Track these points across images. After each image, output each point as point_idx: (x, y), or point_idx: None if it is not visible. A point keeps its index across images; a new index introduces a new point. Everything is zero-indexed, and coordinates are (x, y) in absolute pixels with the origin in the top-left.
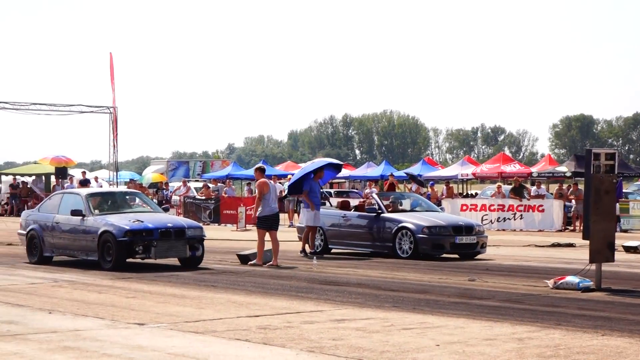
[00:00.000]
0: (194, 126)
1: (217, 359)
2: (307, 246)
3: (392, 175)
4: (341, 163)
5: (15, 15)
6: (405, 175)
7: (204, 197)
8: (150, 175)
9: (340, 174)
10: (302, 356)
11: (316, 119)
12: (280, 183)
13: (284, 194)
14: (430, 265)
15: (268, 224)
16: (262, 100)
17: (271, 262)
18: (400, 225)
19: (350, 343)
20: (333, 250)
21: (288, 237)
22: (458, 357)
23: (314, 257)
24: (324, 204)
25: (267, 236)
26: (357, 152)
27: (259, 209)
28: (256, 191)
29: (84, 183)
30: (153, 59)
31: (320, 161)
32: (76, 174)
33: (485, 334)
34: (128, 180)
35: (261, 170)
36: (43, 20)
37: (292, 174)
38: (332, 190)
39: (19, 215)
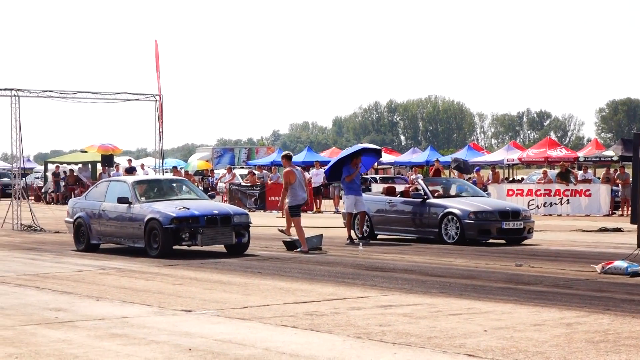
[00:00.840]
0: (239, 113)
1: (264, 346)
2: (352, 232)
3: (437, 160)
4: (379, 148)
5: (61, 4)
6: (449, 161)
7: (249, 184)
8: (195, 162)
9: (386, 160)
10: (350, 342)
11: (361, 105)
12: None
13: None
14: (476, 251)
15: (299, 211)
16: (307, 87)
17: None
18: (446, 210)
19: (398, 329)
20: (379, 236)
21: (334, 223)
22: (506, 343)
23: (360, 243)
24: (365, 190)
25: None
26: (402, 137)
27: (288, 199)
28: (282, 180)
29: (130, 171)
30: (198, 46)
31: (356, 146)
32: (122, 161)
33: (533, 319)
34: (171, 168)
35: (288, 158)
36: (89, 8)
37: None
38: (377, 176)
39: (65, 203)
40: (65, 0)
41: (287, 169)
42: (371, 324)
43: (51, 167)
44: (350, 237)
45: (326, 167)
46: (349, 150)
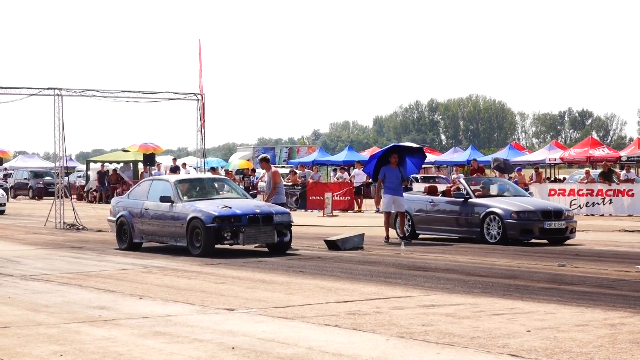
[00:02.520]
0: (280, 112)
1: (307, 345)
2: (391, 232)
3: (475, 160)
4: (416, 146)
5: (104, 3)
6: (489, 160)
7: (290, 183)
8: (236, 161)
9: (426, 159)
10: (392, 342)
11: (401, 104)
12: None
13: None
14: (519, 251)
15: None
16: (348, 86)
17: None
18: (488, 210)
19: (440, 329)
20: (420, 236)
21: (375, 222)
22: (549, 343)
23: (402, 243)
24: (406, 189)
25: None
26: (443, 137)
27: (273, 197)
28: (270, 180)
29: (174, 170)
30: (239, 46)
31: (389, 146)
32: (163, 160)
33: (576, 319)
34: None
35: (267, 160)
36: (132, 7)
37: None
38: (418, 176)
39: (108, 202)
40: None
41: (274, 169)
42: (414, 323)
43: (94, 166)
44: (386, 237)
45: (365, 166)
46: (384, 149)
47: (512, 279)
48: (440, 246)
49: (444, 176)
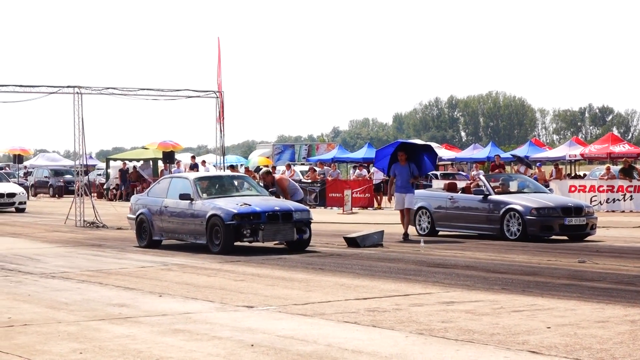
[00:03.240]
0: (299, 110)
1: (327, 342)
2: (411, 229)
3: (498, 156)
4: (422, 143)
5: (124, 1)
6: (511, 156)
7: (310, 180)
8: (256, 159)
9: (446, 156)
10: (412, 338)
11: (421, 101)
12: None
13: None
14: (539, 247)
15: None
16: (367, 83)
17: None
18: (508, 207)
19: (460, 325)
20: (440, 233)
21: (394, 219)
22: (570, 340)
23: (422, 240)
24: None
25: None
26: (463, 134)
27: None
28: (278, 188)
29: (194, 167)
30: (258, 44)
31: (396, 142)
32: (183, 158)
33: (596, 316)
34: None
35: (268, 173)
36: (151, 5)
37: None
38: (438, 173)
39: (127, 200)
40: None
41: (277, 176)
42: (433, 320)
43: (114, 164)
44: (405, 234)
45: (376, 162)
46: (390, 145)
47: (532, 276)
48: (460, 243)
49: (463, 173)
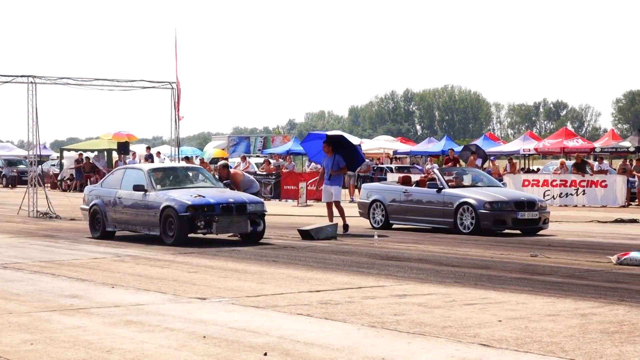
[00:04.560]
0: (255, 102)
1: (279, 334)
2: (364, 221)
3: (452, 150)
4: (335, 134)
5: None
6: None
7: (264, 173)
8: (211, 150)
9: (401, 149)
10: (364, 331)
11: (377, 94)
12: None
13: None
14: (492, 241)
15: None
16: (323, 76)
17: None
18: (461, 200)
19: (412, 318)
20: (394, 226)
21: (349, 212)
22: (520, 333)
23: (375, 233)
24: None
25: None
26: (418, 127)
27: None
28: (232, 183)
29: (148, 158)
30: (214, 35)
31: (327, 133)
32: (137, 149)
33: (547, 309)
34: (183, 157)
35: (225, 167)
36: None
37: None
38: (393, 166)
39: (81, 191)
40: None
41: (232, 171)
42: (385, 313)
43: (67, 154)
44: (344, 225)
45: (311, 157)
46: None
47: (484, 269)
48: (414, 236)
49: (418, 166)
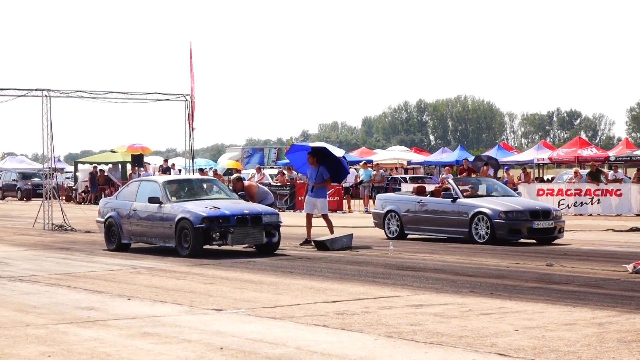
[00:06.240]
0: (268, 113)
1: (296, 345)
2: (379, 231)
3: (466, 160)
4: (319, 145)
5: (93, 4)
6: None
7: (279, 184)
8: (225, 162)
9: (415, 160)
10: (381, 341)
11: (390, 105)
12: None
13: (359, 179)
14: (507, 251)
15: None
16: (336, 87)
17: None
18: (476, 210)
19: (429, 328)
20: (409, 236)
21: (364, 222)
22: (537, 342)
23: (390, 243)
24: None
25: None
26: (432, 137)
27: None
28: (247, 195)
29: (166, 170)
30: (228, 47)
31: (313, 145)
32: (152, 161)
33: (564, 318)
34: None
35: (238, 180)
36: (121, 8)
37: (368, 161)
38: (407, 176)
39: (96, 203)
40: (97, 0)
41: (246, 183)
42: (402, 323)
43: (82, 167)
44: (307, 239)
45: (296, 168)
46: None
47: (500, 279)
48: (429, 246)
49: (432, 177)
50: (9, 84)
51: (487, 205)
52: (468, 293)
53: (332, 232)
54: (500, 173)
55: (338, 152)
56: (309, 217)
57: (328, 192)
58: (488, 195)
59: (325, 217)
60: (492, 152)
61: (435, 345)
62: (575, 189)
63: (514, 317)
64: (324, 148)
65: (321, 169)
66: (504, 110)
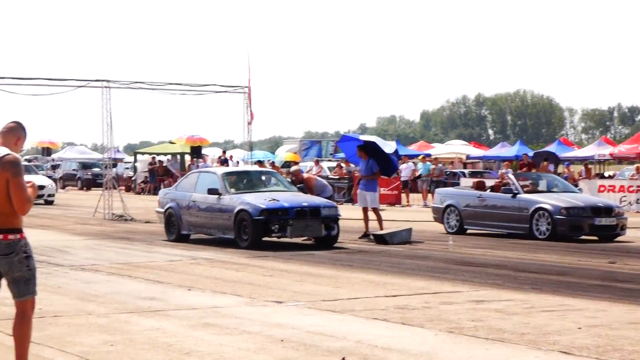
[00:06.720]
0: (326, 106)
1: (356, 338)
2: (439, 226)
3: (526, 155)
4: (370, 139)
5: None
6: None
7: (337, 177)
8: (283, 154)
9: (474, 154)
10: (442, 337)
11: (448, 99)
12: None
13: (417, 174)
14: (568, 247)
15: None
16: (395, 80)
17: None
18: (537, 206)
19: (490, 324)
20: (468, 231)
21: (423, 217)
22: (601, 341)
23: (450, 238)
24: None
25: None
26: (490, 132)
27: None
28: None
29: (224, 162)
30: (287, 39)
31: (364, 138)
32: (210, 153)
33: (628, 317)
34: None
35: (297, 173)
36: (181, 1)
37: (426, 154)
38: (466, 171)
39: (155, 194)
40: None
41: (305, 176)
42: (463, 319)
43: (141, 157)
44: (365, 232)
45: (345, 150)
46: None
47: (562, 276)
48: (489, 241)
49: (491, 171)
50: (70, 75)
51: (548, 201)
52: (530, 289)
53: (381, 227)
54: (560, 169)
55: (388, 148)
56: (365, 210)
57: (390, 187)
58: (548, 191)
59: (375, 210)
60: (551, 148)
61: (497, 342)
62: (637, 186)
63: (576, 314)
64: (374, 143)
65: (371, 162)
66: (564, 105)
